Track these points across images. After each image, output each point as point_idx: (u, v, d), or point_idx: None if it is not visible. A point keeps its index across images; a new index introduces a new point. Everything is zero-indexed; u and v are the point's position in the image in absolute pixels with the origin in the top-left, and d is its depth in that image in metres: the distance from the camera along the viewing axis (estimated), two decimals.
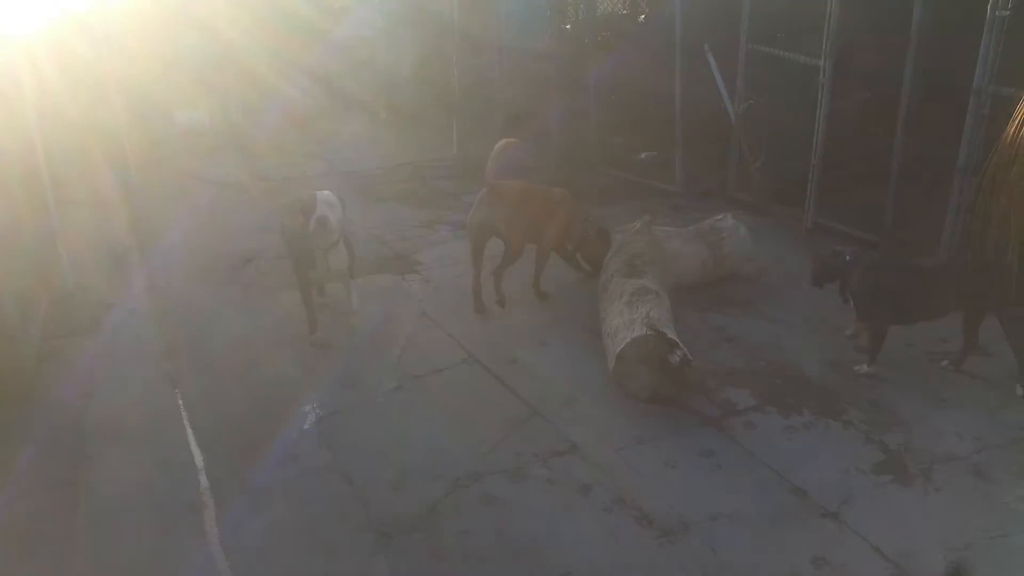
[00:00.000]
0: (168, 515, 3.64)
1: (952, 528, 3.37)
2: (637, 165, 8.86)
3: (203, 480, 3.90)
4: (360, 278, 6.08)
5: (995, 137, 5.06)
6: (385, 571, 3.28)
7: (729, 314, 5.36)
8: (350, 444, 4.13)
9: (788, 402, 4.30)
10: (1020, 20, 4.78)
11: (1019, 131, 4.20)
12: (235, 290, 6.01)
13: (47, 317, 5.42)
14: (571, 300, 5.67)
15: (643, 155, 9.03)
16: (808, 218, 6.39)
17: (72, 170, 7.32)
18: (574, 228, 5.75)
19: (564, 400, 4.45)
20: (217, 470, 3.95)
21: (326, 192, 4.97)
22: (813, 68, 6.16)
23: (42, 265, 5.70)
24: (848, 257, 4.55)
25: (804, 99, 6.60)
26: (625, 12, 10.96)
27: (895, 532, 3.36)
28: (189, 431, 4.31)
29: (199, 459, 4.06)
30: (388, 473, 3.85)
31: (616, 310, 4.71)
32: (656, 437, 4.08)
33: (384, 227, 7.28)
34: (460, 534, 3.46)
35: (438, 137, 10.11)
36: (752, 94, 7.09)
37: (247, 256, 6.55)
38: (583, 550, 3.35)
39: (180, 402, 4.57)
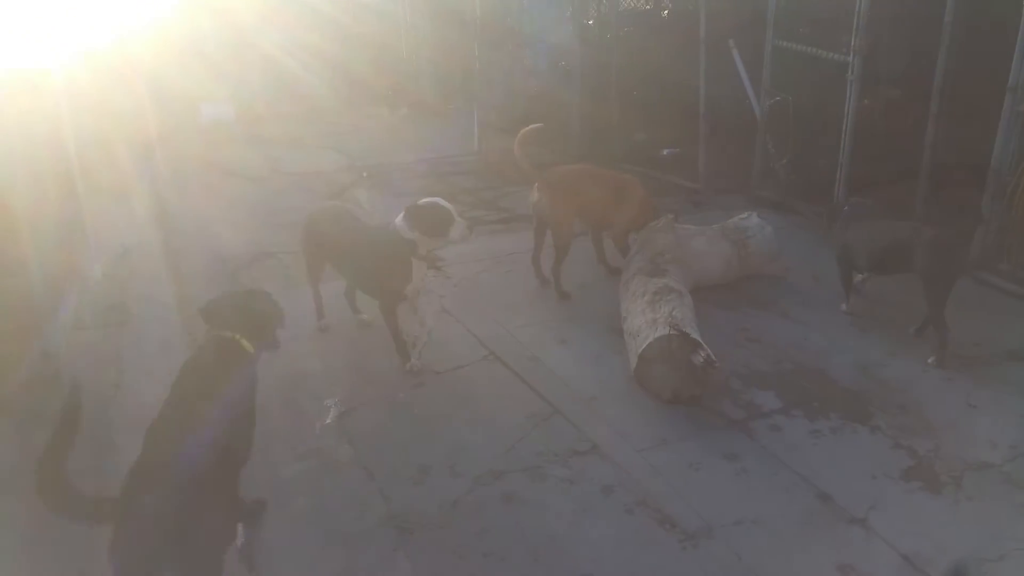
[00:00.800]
0: None
1: (985, 538, 3.30)
2: (660, 161, 8.79)
3: None
4: None
5: None
6: (406, 567, 3.27)
7: (753, 314, 5.29)
8: (372, 439, 4.11)
9: (814, 405, 4.23)
10: None
11: None
12: (256, 285, 5.96)
13: (76, 305, 5.45)
14: (592, 298, 5.63)
15: (666, 151, 8.96)
16: None
17: (99, 159, 7.37)
18: (643, 215, 5.65)
19: (585, 399, 4.41)
20: None
21: (435, 199, 4.65)
22: (842, 64, 6.06)
23: (71, 253, 5.74)
24: (846, 208, 5.21)
25: (832, 96, 6.51)
26: (648, 7, 10.88)
27: (925, 540, 3.29)
28: None
29: None
30: (409, 469, 3.83)
31: (638, 309, 4.66)
32: (679, 438, 4.03)
33: None
34: (480, 532, 3.43)
35: (458, 132, 10.08)
36: (778, 91, 6.99)
37: (268, 251, 6.56)
38: (604, 552, 3.31)
39: None
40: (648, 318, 4.48)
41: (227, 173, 8.68)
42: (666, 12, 10.62)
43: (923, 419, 4.08)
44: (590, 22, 9.97)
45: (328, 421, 4.31)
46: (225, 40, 10.59)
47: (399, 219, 4.55)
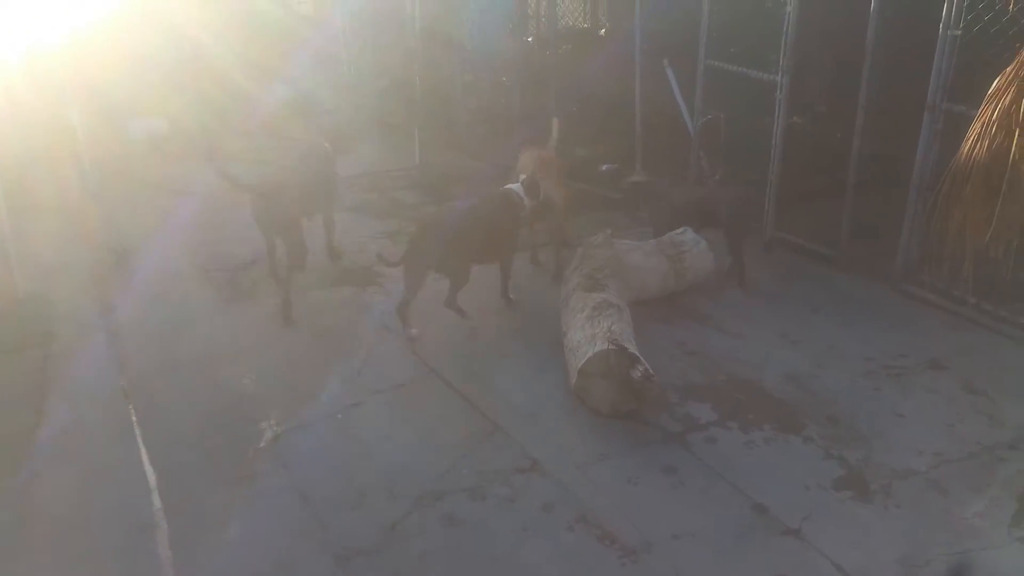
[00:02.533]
0: (119, 537, 3.52)
1: (913, 545, 3.40)
2: (599, 177, 8.89)
3: (156, 500, 3.77)
4: (320, 291, 6.03)
5: (949, 153, 5.19)
6: None
7: (690, 327, 5.38)
8: (308, 462, 4.03)
9: (749, 417, 4.31)
10: (971, 39, 4.89)
11: (973, 150, 4.29)
12: (194, 301, 5.86)
13: None
14: (535, 312, 5.64)
15: (604, 167, 9.05)
16: (766, 232, 6.45)
17: (28, 175, 7.10)
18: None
19: (526, 415, 4.41)
20: (171, 490, 3.82)
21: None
22: (771, 83, 6.23)
23: None
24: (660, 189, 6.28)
25: (762, 113, 6.69)
26: (586, 25, 11.05)
27: (856, 549, 3.38)
28: (142, 449, 4.17)
29: (152, 478, 3.93)
30: (347, 492, 3.77)
31: (577, 324, 4.69)
32: (618, 453, 4.06)
33: (344, 237, 7.15)
34: (420, 556, 3.39)
35: (400, 145, 10.01)
36: (710, 109, 7.16)
37: (203, 268, 6.40)
38: (545, 571, 3.31)
39: (134, 418, 4.43)
40: (587, 333, 4.51)
41: (161, 189, 8.42)
42: (603, 31, 10.80)
43: (853, 429, 4.20)
44: (530, 39, 10.07)
45: (262, 445, 4.21)
46: (172, 52, 10.32)
47: (516, 187, 5.53)
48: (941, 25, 5.02)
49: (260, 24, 11.09)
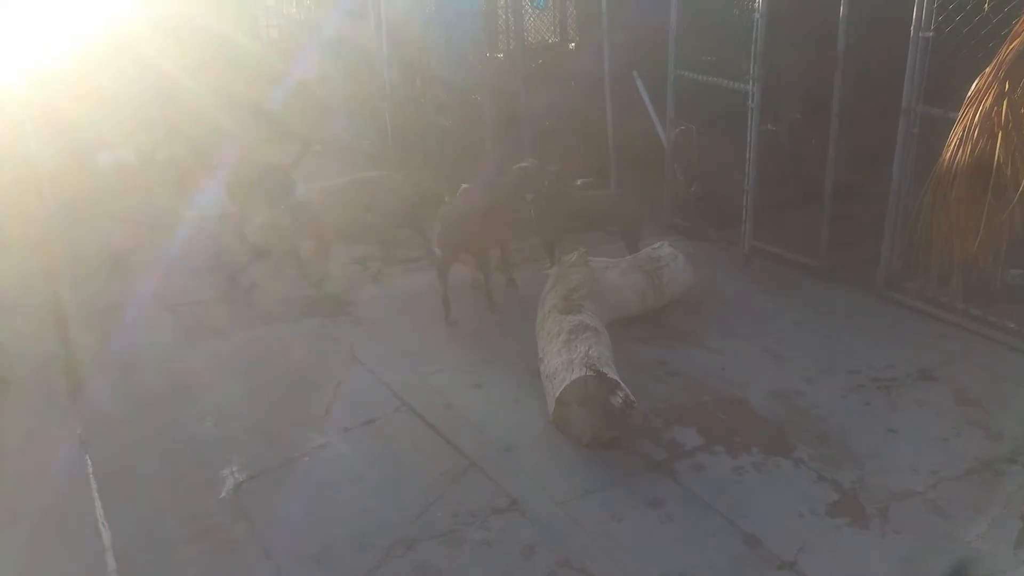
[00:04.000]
0: None
1: (914, 572, 3.21)
2: None
3: (111, 562, 3.54)
4: (287, 323, 5.80)
5: (925, 157, 5.07)
6: None
7: (671, 346, 5.19)
8: (271, 512, 3.79)
9: (736, 440, 4.12)
10: (945, 41, 4.78)
11: (955, 155, 4.14)
12: (156, 338, 5.62)
13: None
14: (508, 338, 5.43)
15: (579, 182, 8.90)
16: (745, 243, 6.29)
17: None
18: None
19: (502, 448, 4.19)
20: (127, 548, 3.58)
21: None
22: (743, 93, 6.10)
23: None
24: (545, 179, 6.13)
25: (736, 123, 6.55)
26: (555, 40, 10.93)
27: None
28: (98, 503, 3.92)
29: (107, 536, 3.68)
30: (312, 545, 3.52)
31: (554, 350, 4.48)
32: (602, 486, 3.84)
33: (312, 266, 6.93)
34: None
35: (373, 167, 9.81)
36: (683, 120, 7.02)
37: (167, 303, 6.15)
38: None
39: (90, 469, 4.17)
40: (564, 359, 4.30)
41: (125, 221, 8.16)
42: (573, 44, 10.68)
43: (844, 448, 4.01)
44: (500, 55, 9.91)
45: (223, 495, 3.96)
46: (143, 87, 10.09)
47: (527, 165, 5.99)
48: (912, 27, 4.91)
49: (228, 52, 10.92)
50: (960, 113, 4.21)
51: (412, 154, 9.61)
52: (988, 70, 4.10)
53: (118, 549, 3.58)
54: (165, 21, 10.30)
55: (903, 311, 5.36)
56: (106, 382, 5.02)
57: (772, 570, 3.27)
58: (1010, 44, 4.06)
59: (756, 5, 5.68)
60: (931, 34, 4.81)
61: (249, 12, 13.09)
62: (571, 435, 4.17)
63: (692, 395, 4.57)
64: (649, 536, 3.50)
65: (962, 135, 4.08)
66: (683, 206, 7.27)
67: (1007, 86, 4.04)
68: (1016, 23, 4.07)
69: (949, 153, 4.20)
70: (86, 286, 6.53)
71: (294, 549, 3.50)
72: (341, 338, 5.57)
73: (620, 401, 3.98)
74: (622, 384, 4.05)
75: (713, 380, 4.71)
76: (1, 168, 7.09)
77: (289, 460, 4.20)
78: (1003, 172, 4.00)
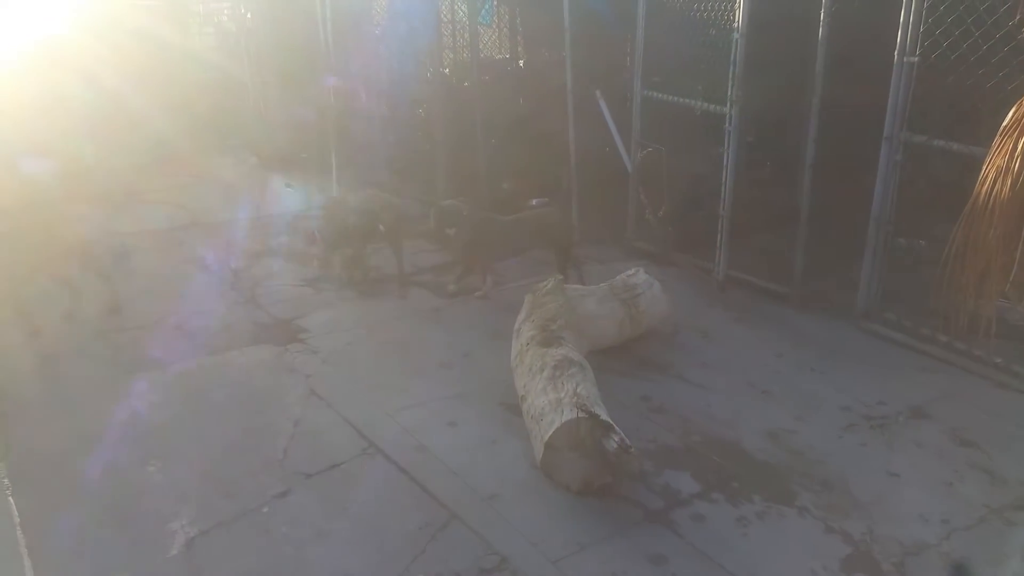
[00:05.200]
0: None
1: None
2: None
3: None
4: (234, 351, 5.35)
5: (905, 184, 4.99)
6: None
7: (651, 379, 4.95)
8: (227, 572, 3.37)
9: (734, 486, 3.88)
10: (930, 66, 4.70)
11: (992, 191, 3.99)
12: (87, 371, 5.12)
13: None
14: (478, 369, 5.11)
15: (534, 202, 8.65)
16: (720, 270, 6.13)
17: None
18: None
19: (485, 496, 3.86)
20: None
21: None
22: (716, 115, 5.96)
23: None
24: (465, 212, 6.20)
25: (704, 145, 6.42)
26: (504, 56, 10.70)
27: None
28: (26, 560, 3.48)
29: None
30: None
31: (538, 387, 4.18)
32: (597, 540, 3.55)
33: (259, 287, 6.49)
34: None
35: (315, 181, 9.37)
36: (649, 141, 6.85)
37: (97, 328, 5.62)
38: None
39: (17, 520, 3.72)
40: (551, 398, 4.00)
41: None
42: (522, 62, 10.47)
43: (848, 495, 3.81)
44: (446, 70, 9.62)
45: (173, 552, 3.53)
46: (65, 91, 9.41)
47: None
48: (896, 52, 4.82)
49: (162, 58, 10.40)
50: (995, 144, 4.03)
51: (355, 168, 9.25)
52: None
53: None
54: (102, 28, 9.73)
55: (883, 343, 5.26)
56: (32, 420, 4.53)
57: None
58: None
59: (736, 25, 5.54)
60: (916, 59, 4.73)
61: (182, 21, 12.57)
62: (559, 481, 3.87)
63: (680, 435, 4.33)
64: None
65: (1002, 167, 3.91)
66: (647, 229, 7.11)
67: None
68: None
69: (984, 189, 4.02)
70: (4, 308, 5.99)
71: None
72: (296, 369, 5.16)
73: (615, 445, 3.69)
74: (616, 427, 3.77)
75: (700, 418, 4.48)
76: None
77: (246, 511, 3.78)
78: None
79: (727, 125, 5.77)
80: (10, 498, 3.87)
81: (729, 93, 5.72)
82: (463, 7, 9.16)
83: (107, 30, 10.04)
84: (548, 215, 6.52)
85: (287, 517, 3.75)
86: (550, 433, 3.81)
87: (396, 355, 5.36)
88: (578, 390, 4.01)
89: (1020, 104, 3.94)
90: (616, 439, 3.71)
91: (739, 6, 5.56)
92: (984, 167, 4.06)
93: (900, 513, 3.68)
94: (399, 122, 9.90)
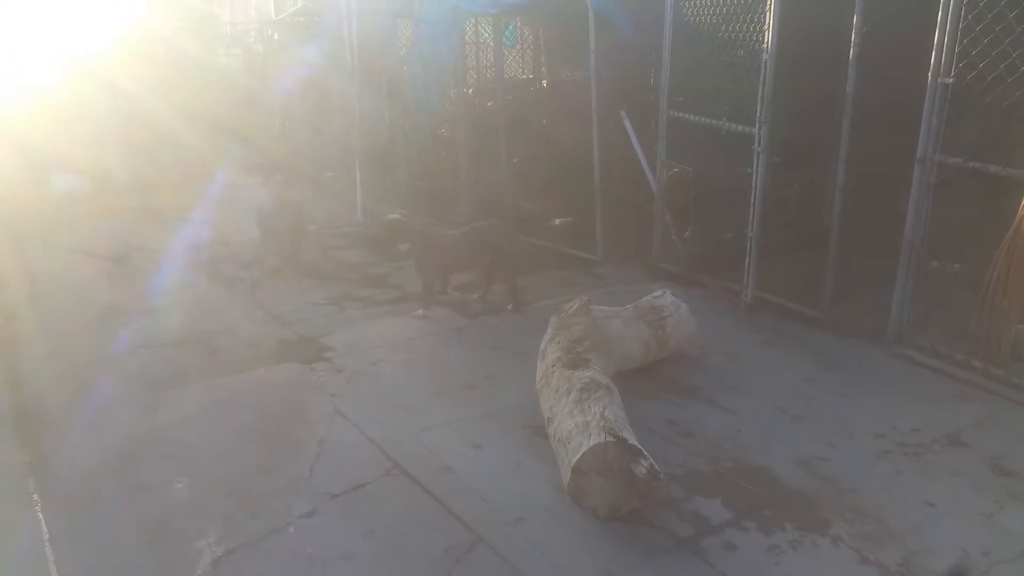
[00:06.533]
0: None
1: None
2: (553, 232, 8.46)
3: None
4: (259, 368, 5.36)
5: (939, 208, 4.92)
6: None
7: (678, 403, 4.89)
8: None
9: (766, 514, 3.80)
10: (964, 87, 4.64)
11: None
12: (113, 386, 5.14)
13: None
14: (502, 390, 5.08)
15: (557, 221, 8.64)
16: (748, 292, 6.07)
17: None
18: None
19: (511, 519, 3.81)
20: None
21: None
22: (745, 135, 5.92)
23: None
24: (416, 227, 6.38)
25: (731, 166, 6.39)
26: (527, 76, 10.75)
27: None
28: None
29: None
30: None
31: (564, 409, 4.13)
32: (625, 568, 3.48)
33: (284, 305, 6.52)
34: None
35: (339, 202, 9.43)
36: (675, 161, 6.82)
37: (127, 346, 5.68)
38: None
39: (46, 536, 3.71)
40: (578, 421, 3.95)
41: (77, 252, 7.60)
42: (545, 82, 10.52)
43: (883, 524, 3.72)
44: (469, 91, 9.68)
45: (199, 572, 3.51)
46: (96, 107, 9.58)
47: None
48: (930, 73, 4.77)
49: (191, 76, 10.56)
50: None
51: (378, 186, 9.30)
52: None
53: None
54: (132, 46, 9.91)
55: (916, 368, 5.16)
56: (62, 436, 4.56)
57: None
58: None
59: (765, 46, 5.52)
60: (951, 80, 4.68)
61: (210, 40, 12.79)
62: (586, 506, 3.81)
63: (710, 460, 4.26)
64: None
65: None
66: (672, 250, 7.07)
67: None
68: None
69: None
70: (36, 322, 6.06)
71: None
72: (321, 388, 5.16)
73: (644, 471, 3.64)
74: (645, 452, 3.72)
75: (730, 443, 4.41)
76: None
77: (272, 531, 3.76)
78: None
79: (755, 146, 5.73)
80: (39, 513, 3.87)
81: (758, 114, 5.69)
82: (487, 28, 9.24)
83: (137, 48, 10.22)
84: (493, 230, 6.55)
85: (313, 537, 3.72)
86: (577, 457, 3.76)
87: (419, 374, 5.34)
88: (606, 413, 3.97)
89: None
90: (645, 464, 3.66)
91: (768, 27, 5.54)
92: None
93: (937, 544, 3.58)
94: (422, 141, 9.97)
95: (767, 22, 5.56)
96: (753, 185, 5.80)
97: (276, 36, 12.04)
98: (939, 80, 4.73)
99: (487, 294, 6.49)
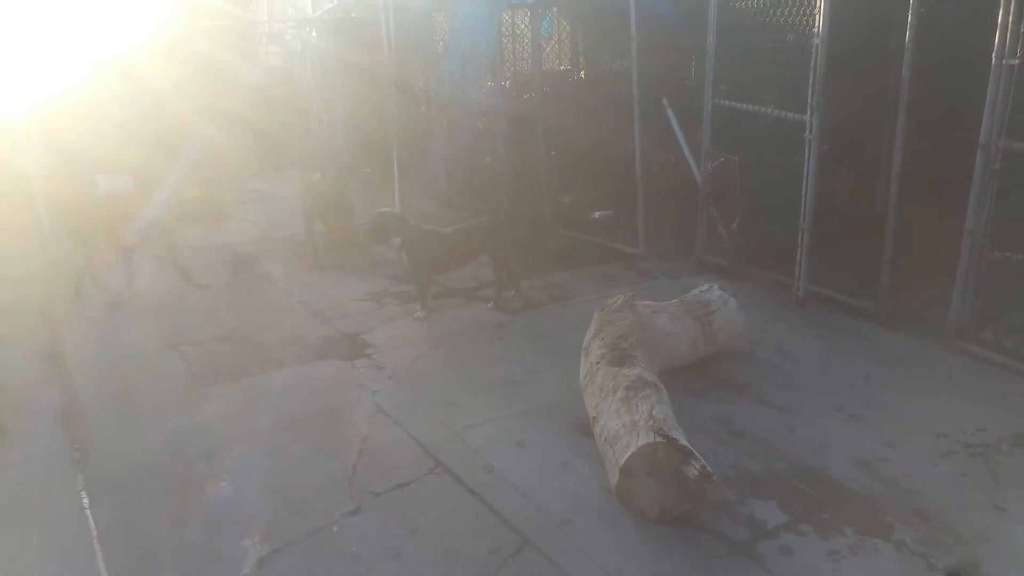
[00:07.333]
0: None
1: None
2: (592, 225, 8.32)
3: None
4: (300, 365, 5.34)
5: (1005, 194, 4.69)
6: None
7: (728, 400, 4.74)
8: None
9: (824, 517, 3.65)
10: None
11: None
12: (161, 382, 5.20)
13: None
14: (544, 387, 4.98)
15: (597, 214, 8.50)
16: (800, 286, 5.87)
17: None
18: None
19: (557, 521, 3.72)
20: None
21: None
22: (792, 123, 5.72)
23: None
24: (412, 222, 6.27)
25: (778, 154, 6.18)
26: (565, 67, 10.59)
27: None
28: (104, 574, 3.49)
29: None
30: None
31: (611, 408, 4.02)
32: (678, 572, 3.37)
33: (325, 302, 6.51)
34: None
35: (376, 196, 9.39)
36: (721, 151, 6.63)
37: (172, 342, 5.74)
38: None
39: (94, 533, 3.73)
40: (626, 420, 3.84)
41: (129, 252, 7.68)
42: (583, 72, 10.35)
43: (950, 529, 3.54)
44: (506, 83, 9.56)
45: (245, 572, 3.48)
46: (134, 105, 9.69)
47: None
48: (994, 55, 4.54)
49: (226, 77, 10.63)
50: None
51: (415, 182, 9.25)
52: None
53: None
54: (173, 45, 10.00)
55: (979, 364, 4.94)
56: (109, 431, 4.61)
57: None
58: None
59: (816, 30, 5.31)
60: (1016, 62, 4.44)
61: (249, 38, 12.86)
62: (635, 508, 3.69)
63: (763, 461, 4.11)
64: None
65: None
66: (718, 243, 6.88)
67: None
68: None
69: None
70: (89, 321, 6.13)
71: None
72: (363, 384, 5.12)
73: (696, 473, 3.51)
74: (696, 453, 3.59)
75: (784, 443, 4.25)
76: None
77: (317, 529, 3.72)
78: None
79: (807, 133, 5.53)
80: (87, 510, 3.90)
81: (809, 100, 5.49)
82: (524, 20, 9.11)
83: (177, 47, 10.30)
84: (486, 226, 6.34)
85: (357, 536, 3.67)
86: (625, 457, 3.64)
87: (461, 371, 5.28)
88: (654, 412, 3.84)
89: None
90: (697, 466, 3.53)
91: (819, 10, 5.34)
92: None
93: (1011, 552, 3.39)
94: (459, 136, 9.90)
95: (818, 5, 5.35)
96: (804, 174, 5.59)
97: (314, 33, 12.05)
98: (1003, 62, 4.50)
99: (503, 290, 6.30)
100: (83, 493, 4.04)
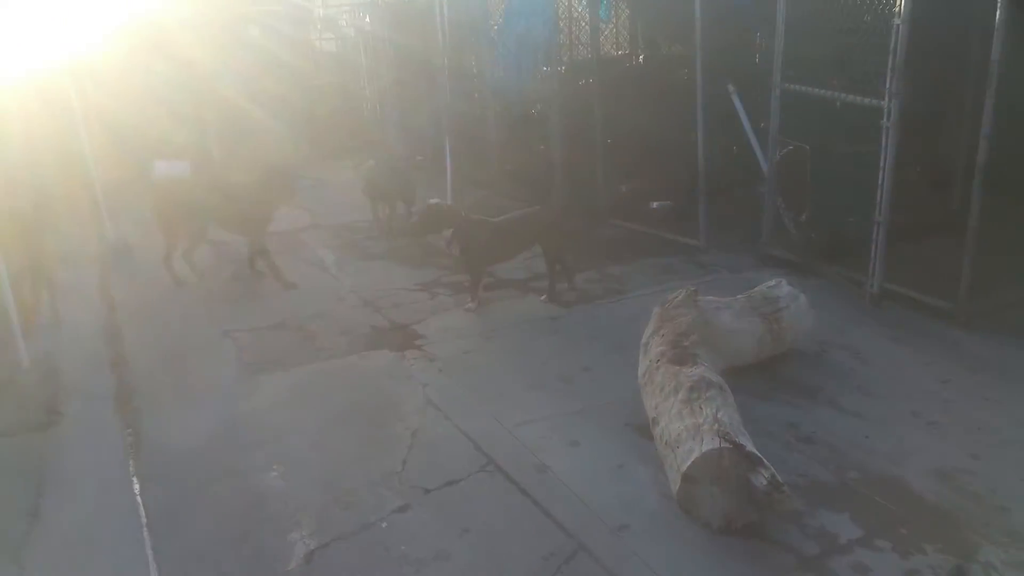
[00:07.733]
0: None
1: None
2: (650, 216, 8.07)
3: None
4: (351, 356, 5.27)
5: None
6: None
7: (798, 404, 4.48)
8: None
9: (902, 533, 3.40)
10: None
11: None
12: (213, 370, 5.20)
13: None
14: (599, 384, 4.80)
15: (655, 205, 8.25)
16: (874, 283, 5.56)
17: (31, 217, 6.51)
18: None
19: (613, 526, 3.55)
20: None
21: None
22: (867, 109, 5.39)
23: None
24: (463, 213, 6.10)
25: (849, 143, 5.85)
26: (621, 52, 10.30)
27: None
28: (151, 564, 3.47)
29: None
30: None
31: (672, 410, 3.82)
32: None
33: (376, 291, 6.44)
34: None
35: (429, 185, 9.30)
36: (790, 139, 6.32)
37: (224, 329, 5.75)
38: None
39: (144, 520, 3.73)
40: (688, 424, 3.63)
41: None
42: (641, 57, 10.06)
43: None
44: (562, 68, 9.33)
45: (292, 566, 3.42)
46: (185, 88, 9.78)
47: None
48: None
49: (279, 63, 10.66)
50: None
51: (468, 169, 9.13)
52: None
53: None
54: (227, 31, 10.05)
55: None
56: (162, 418, 4.62)
57: None
58: None
59: (897, 10, 4.98)
60: None
61: (303, 25, 12.88)
62: (697, 516, 3.50)
63: (835, 470, 3.86)
64: None
65: None
66: (785, 236, 6.58)
67: None
68: None
69: None
70: (137, 310, 6.17)
71: None
72: (413, 376, 5.02)
73: (764, 482, 3.29)
74: (765, 461, 3.37)
75: (857, 451, 3.99)
76: (46, 160, 6.85)
77: (365, 525, 3.63)
78: None
79: (884, 121, 5.20)
80: (138, 497, 3.90)
81: (888, 85, 5.16)
82: (581, 2, 8.86)
83: (231, 34, 10.35)
84: (539, 216, 6.19)
85: (406, 534, 3.57)
86: (688, 463, 3.44)
87: (513, 365, 5.13)
88: (719, 415, 3.63)
89: None
90: (766, 475, 3.31)
91: None
92: None
93: None
94: (513, 122, 9.72)
95: None
96: (881, 164, 5.27)
97: (367, 19, 12.00)
98: None
99: (557, 282, 6.14)
100: (134, 479, 4.04)
